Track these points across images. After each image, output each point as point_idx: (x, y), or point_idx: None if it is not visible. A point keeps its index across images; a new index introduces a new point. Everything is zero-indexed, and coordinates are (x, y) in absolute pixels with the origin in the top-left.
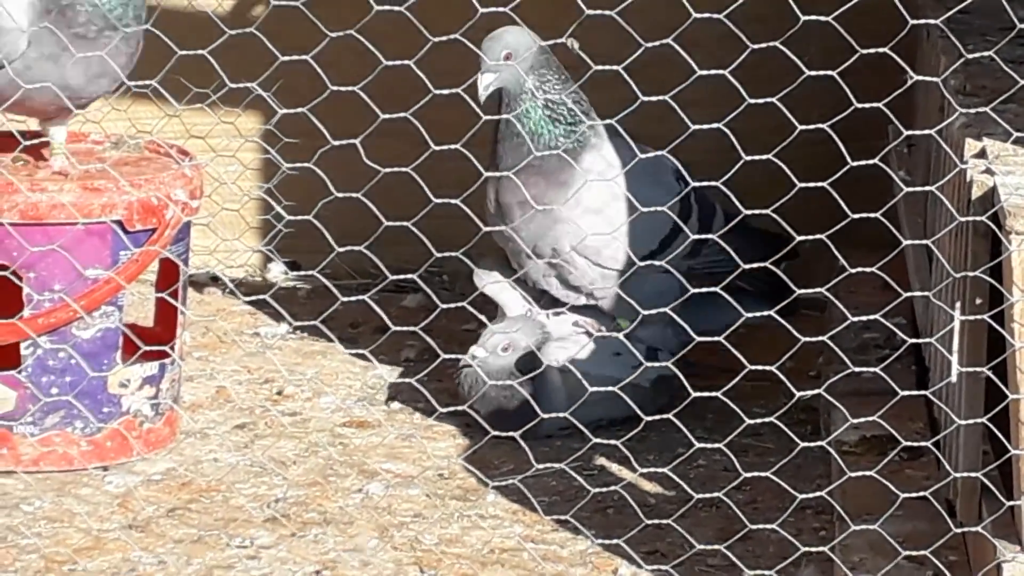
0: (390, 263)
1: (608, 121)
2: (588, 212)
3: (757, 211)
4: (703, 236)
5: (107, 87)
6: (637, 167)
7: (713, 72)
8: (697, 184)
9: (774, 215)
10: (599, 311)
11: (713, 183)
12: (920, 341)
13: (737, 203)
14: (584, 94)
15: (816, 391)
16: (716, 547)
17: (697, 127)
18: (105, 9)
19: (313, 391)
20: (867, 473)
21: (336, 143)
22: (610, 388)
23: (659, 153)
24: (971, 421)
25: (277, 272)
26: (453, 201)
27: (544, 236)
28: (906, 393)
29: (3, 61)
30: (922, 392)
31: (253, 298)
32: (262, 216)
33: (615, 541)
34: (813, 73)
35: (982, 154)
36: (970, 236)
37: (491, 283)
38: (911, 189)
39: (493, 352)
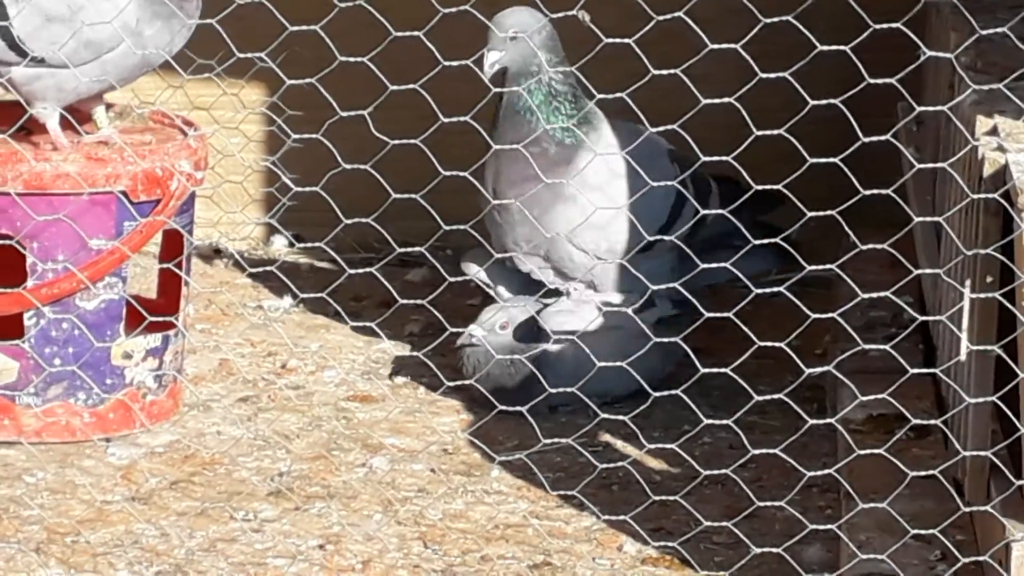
0: (394, 236)
1: (605, 96)
2: (593, 191)
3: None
4: (702, 214)
5: (182, 41)
6: (635, 155)
7: (724, 47)
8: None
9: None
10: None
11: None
12: (929, 319)
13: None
14: (588, 71)
15: (824, 368)
16: (722, 524)
17: (708, 102)
18: None
19: (317, 365)
20: (874, 451)
21: (344, 115)
22: (616, 363)
23: (652, 135)
24: (980, 400)
25: (281, 245)
26: (462, 174)
27: (547, 218)
28: (915, 371)
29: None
30: (930, 370)
31: (257, 270)
32: (266, 188)
33: (621, 517)
34: (824, 48)
35: (994, 131)
36: (981, 214)
37: (481, 270)
38: (923, 166)
39: (491, 330)
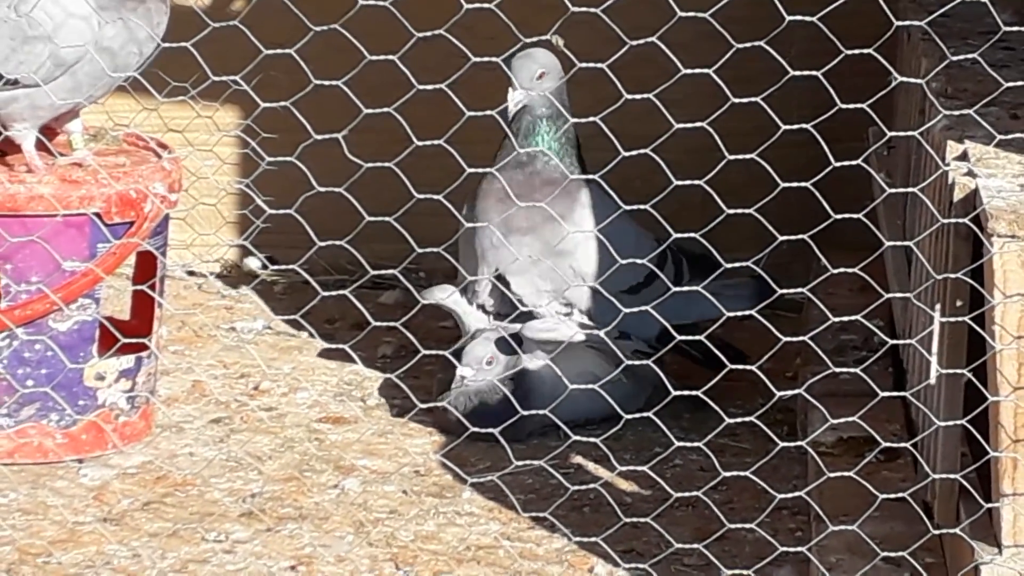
0: (367, 258)
1: (578, 120)
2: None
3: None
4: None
5: (149, 51)
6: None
7: (697, 71)
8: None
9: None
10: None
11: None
12: (899, 343)
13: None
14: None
15: (795, 392)
16: (693, 546)
17: (680, 126)
18: None
19: (289, 386)
20: (844, 474)
21: (318, 138)
22: (590, 386)
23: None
24: (950, 423)
25: (254, 267)
26: (436, 197)
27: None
28: (885, 394)
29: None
30: (900, 394)
31: (230, 292)
32: (239, 211)
33: (592, 539)
34: (796, 73)
35: (964, 156)
36: (951, 238)
37: (448, 296)
38: (894, 191)
39: (479, 368)
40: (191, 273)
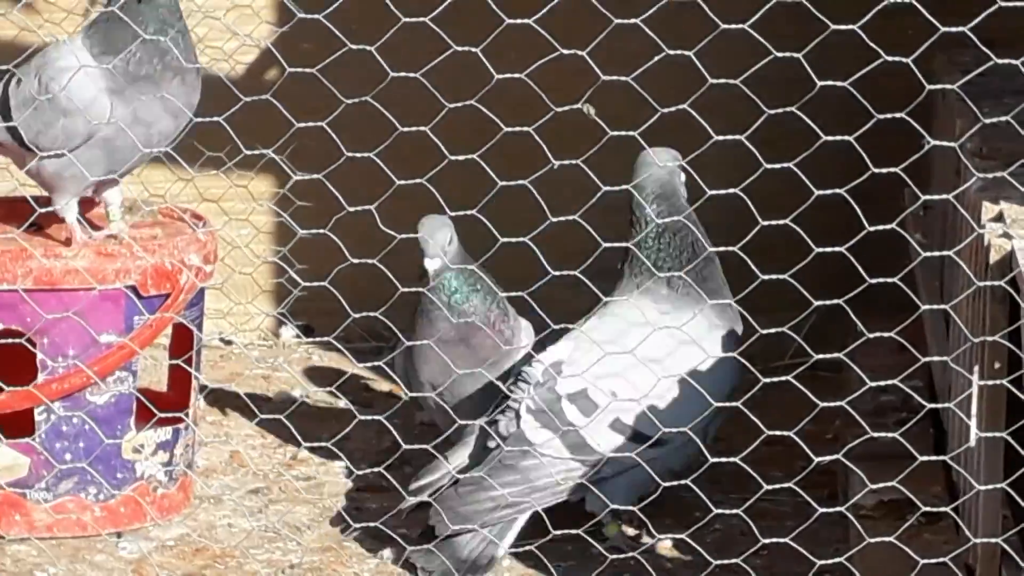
0: (402, 326)
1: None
2: None
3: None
4: None
5: (178, 127)
6: None
7: (729, 137)
8: None
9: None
10: None
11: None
12: (938, 406)
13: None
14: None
15: (833, 457)
16: None
17: (713, 192)
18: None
19: (327, 455)
20: (886, 538)
21: (351, 209)
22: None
23: None
24: (990, 486)
25: (290, 336)
26: (470, 267)
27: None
28: (925, 458)
29: (92, 133)
30: (939, 457)
31: (267, 362)
32: (275, 280)
33: None
34: (829, 138)
35: (999, 218)
36: (988, 301)
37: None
38: (929, 254)
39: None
40: (227, 342)
